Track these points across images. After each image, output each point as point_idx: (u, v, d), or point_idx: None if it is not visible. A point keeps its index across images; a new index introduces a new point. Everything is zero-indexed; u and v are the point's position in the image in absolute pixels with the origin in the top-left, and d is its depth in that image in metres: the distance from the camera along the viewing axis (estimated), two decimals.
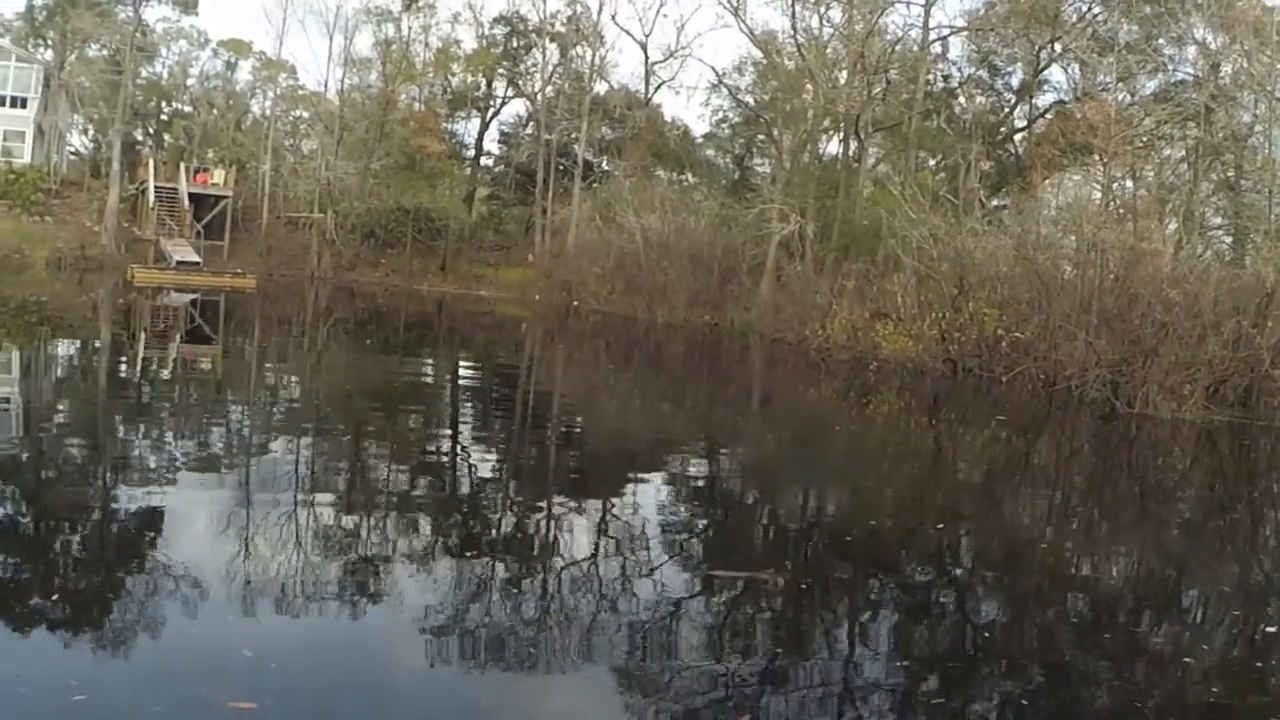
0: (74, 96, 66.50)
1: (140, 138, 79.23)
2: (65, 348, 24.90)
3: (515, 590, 8.34)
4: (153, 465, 11.98)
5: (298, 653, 6.74)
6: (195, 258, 55.05)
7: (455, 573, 8.64)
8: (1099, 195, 38.98)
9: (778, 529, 12.25)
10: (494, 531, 10.36)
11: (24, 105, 62.10)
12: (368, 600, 7.81)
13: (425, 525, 10.28)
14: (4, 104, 61.31)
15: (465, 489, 12.59)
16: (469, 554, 9.32)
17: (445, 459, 14.44)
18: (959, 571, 10.66)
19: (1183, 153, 41.59)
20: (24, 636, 6.55)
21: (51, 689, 5.73)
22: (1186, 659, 7.98)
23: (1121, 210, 36.20)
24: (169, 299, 42.41)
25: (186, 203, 60.48)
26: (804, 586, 9.23)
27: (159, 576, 7.78)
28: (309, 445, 14.39)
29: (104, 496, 10.31)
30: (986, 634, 8.41)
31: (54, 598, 7.22)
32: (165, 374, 21.76)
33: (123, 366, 22.31)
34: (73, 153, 78.00)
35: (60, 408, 16.20)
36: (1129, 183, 39.37)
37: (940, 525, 12.40)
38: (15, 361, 21.23)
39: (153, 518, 9.44)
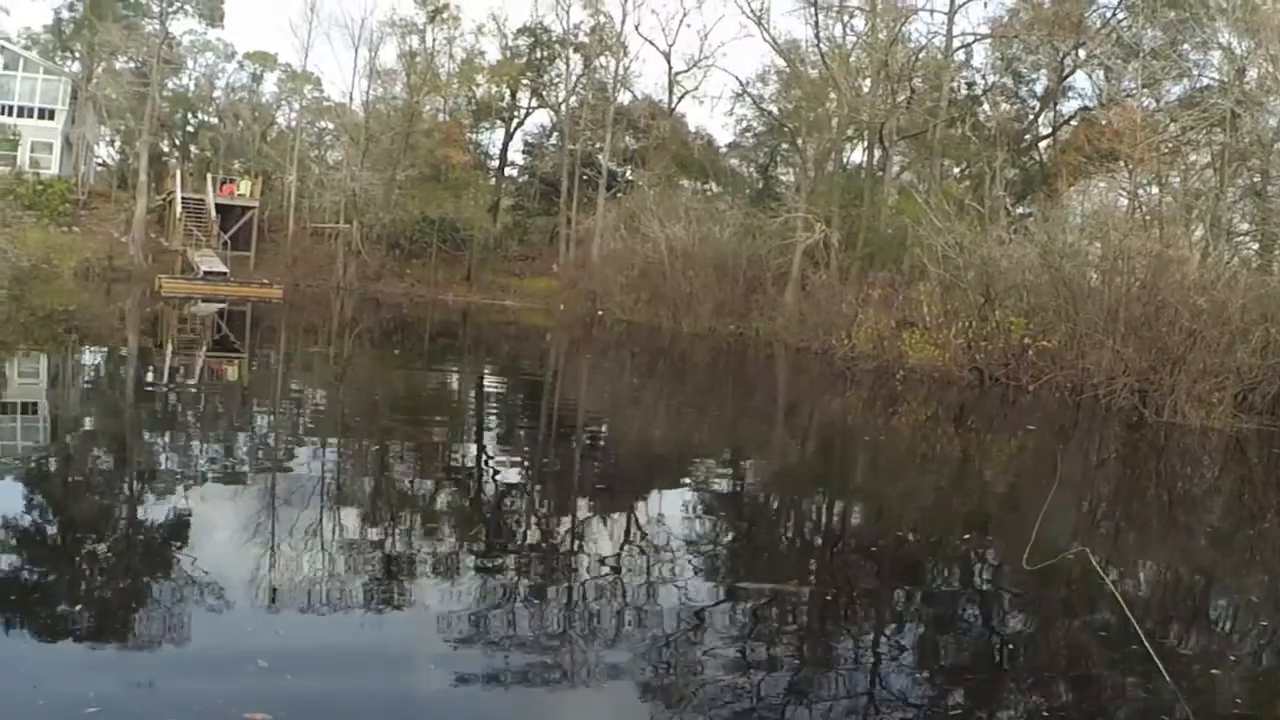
0: (101, 108, 67.03)
1: (167, 149, 79.81)
2: (93, 356, 25.03)
3: (538, 602, 8.32)
4: (176, 473, 12.00)
5: (313, 663, 6.71)
6: (222, 268, 55.36)
7: (477, 583, 8.59)
8: (1125, 202, 38.81)
9: (803, 540, 12.22)
10: (517, 542, 10.30)
11: (52, 117, 62.65)
12: (387, 610, 7.80)
13: (448, 535, 10.27)
14: (32, 116, 61.86)
15: (489, 499, 12.56)
16: (492, 564, 9.26)
17: (470, 469, 14.41)
18: (985, 582, 10.61)
19: (1208, 158, 41.33)
20: (43, 645, 6.57)
21: (65, 699, 5.72)
22: (1214, 670, 7.91)
23: (1147, 217, 36.02)
24: (196, 309, 42.64)
25: (213, 213, 60.93)
26: (829, 598, 9.21)
27: (177, 585, 7.79)
28: (334, 454, 14.39)
29: (124, 504, 10.33)
30: (1012, 646, 8.37)
31: (71, 605, 7.24)
32: (192, 382, 21.85)
33: (150, 375, 22.41)
34: (100, 164, 78.70)
35: (88, 415, 16.29)
36: (1154, 189, 39.18)
37: (967, 536, 12.37)
38: (44, 369, 21.37)
39: (172, 526, 9.47)
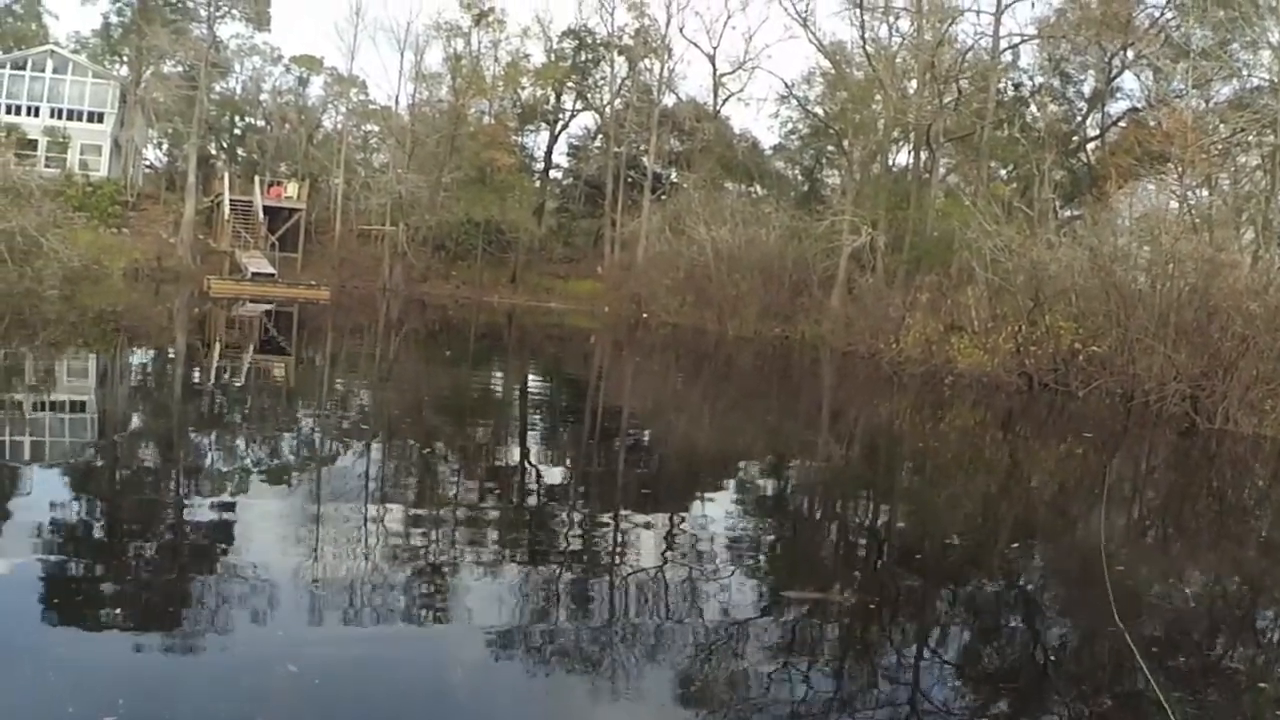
0: (149, 112, 67.63)
1: (214, 152, 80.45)
2: (142, 355, 25.25)
3: (580, 607, 8.29)
4: (221, 472, 12.09)
5: (343, 669, 6.64)
6: (270, 269, 55.79)
7: (516, 589, 8.53)
8: (1174, 205, 38.32)
9: (848, 547, 12.12)
10: (558, 548, 10.25)
11: (101, 120, 63.34)
12: (421, 616, 7.79)
13: (488, 539, 10.23)
14: (82, 119, 62.58)
15: (531, 503, 12.55)
16: (531, 570, 9.20)
17: (513, 472, 14.40)
18: (1031, 591, 10.50)
19: (1259, 160, 40.74)
20: (76, 644, 6.58)
21: (93, 701, 5.71)
22: (1262, 683, 7.79)
23: (1197, 220, 35.56)
24: (244, 310, 42.97)
25: (261, 215, 61.40)
26: (872, 606, 9.13)
27: (212, 586, 7.83)
28: (378, 455, 14.44)
29: (164, 503, 10.35)
30: (1055, 656, 8.27)
31: (108, 605, 7.30)
32: (239, 382, 21.98)
33: (197, 374, 22.58)
34: (148, 166, 79.48)
35: (135, 413, 16.42)
36: (1204, 192, 38.69)
37: (1014, 544, 12.26)
38: (93, 368, 21.59)
39: (210, 527, 9.50)
